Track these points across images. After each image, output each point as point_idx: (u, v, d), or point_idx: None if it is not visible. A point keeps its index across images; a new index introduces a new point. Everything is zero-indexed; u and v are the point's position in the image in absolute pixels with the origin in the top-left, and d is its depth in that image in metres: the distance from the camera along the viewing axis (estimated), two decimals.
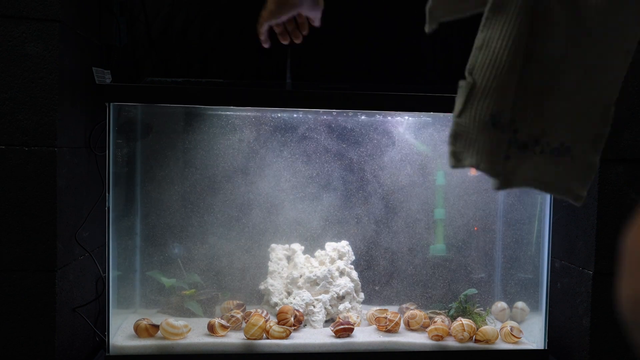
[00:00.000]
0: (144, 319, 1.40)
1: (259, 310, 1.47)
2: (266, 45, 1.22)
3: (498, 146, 0.62)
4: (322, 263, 1.56)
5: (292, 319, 1.41)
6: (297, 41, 1.22)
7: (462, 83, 0.64)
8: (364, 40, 1.69)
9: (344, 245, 1.58)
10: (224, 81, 1.62)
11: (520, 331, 1.46)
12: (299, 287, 1.52)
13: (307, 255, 1.58)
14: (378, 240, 1.61)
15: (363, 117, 1.57)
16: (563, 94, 0.64)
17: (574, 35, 0.62)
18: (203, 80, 1.61)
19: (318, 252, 1.59)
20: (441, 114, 1.52)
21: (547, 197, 1.48)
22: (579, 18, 0.62)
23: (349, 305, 1.51)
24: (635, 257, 0.32)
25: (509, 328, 1.45)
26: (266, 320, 1.40)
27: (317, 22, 1.21)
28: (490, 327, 1.46)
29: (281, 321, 1.41)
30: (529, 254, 1.57)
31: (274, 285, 1.53)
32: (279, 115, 1.55)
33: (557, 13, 0.62)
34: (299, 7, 1.14)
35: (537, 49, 0.63)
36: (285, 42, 1.21)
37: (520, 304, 1.58)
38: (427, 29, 0.81)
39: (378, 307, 1.55)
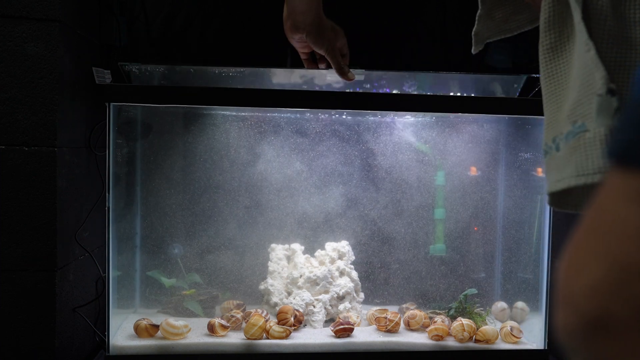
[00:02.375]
0: (144, 319, 1.40)
1: (259, 310, 1.47)
2: (306, 66, 1.26)
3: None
4: (322, 263, 1.56)
5: (292, 319, 1.41)
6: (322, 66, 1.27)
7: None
8: (363, 43, 1.69)
9: (344, 245, 1.58)
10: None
11: (520, 331, 1.46)
12: (299, 287, 1.52)
13: (307, 255, 1.58)
14: (378, 240, 1.61)
15: (364, 117, 1.57)
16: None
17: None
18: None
19: (318, 252, 1.59)
20: (441, 114, 1.52)
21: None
22: None
23: (349, 305, 1.51)
24: (562, 288, 0.34)
25: (509, 328, 1.45)
26: (266, 320, 1.40)
27: (337, 69, 1.24)
28: (490, 327, 1.46)
29: (281, 321, 1.41)
30: (529, 254, 1.57)
31: (274, 285, 1.53)
32: (280, 115, 1.55)
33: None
34: (297, 33, 1.15)
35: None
36: (310, 68, 1.27)
37: (520, 304, 1.58)
38: (473, 50, 0.84)
39: (378, 307, 1.55)
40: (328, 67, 1.25)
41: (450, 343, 1.42)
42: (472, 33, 0.83)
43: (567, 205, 0.65)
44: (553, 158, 0.63)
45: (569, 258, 0.34)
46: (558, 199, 0.64)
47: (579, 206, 0.64)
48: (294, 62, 1.57)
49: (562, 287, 0.33)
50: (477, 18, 0.83)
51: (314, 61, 1.27)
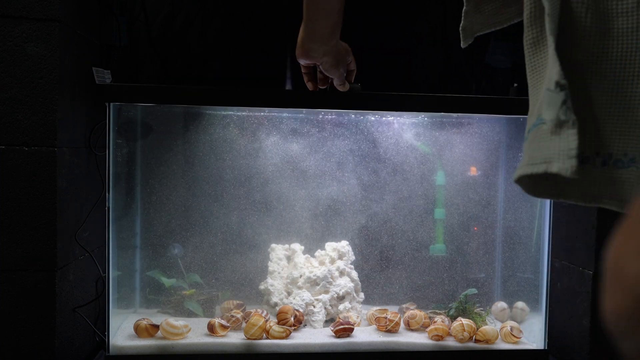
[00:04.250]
0: (144, 319, 1.40)
1: (259, 310, 1.47)
2: (310, 88, 1.24)
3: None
4: (322, 263, 1.56)
5: (292, 319, 1.41)
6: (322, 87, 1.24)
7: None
8: (363, 43, 1.70)
9: (344, 245, 1.58)
10: (224, 82, 1.62)
11: (520, 331, 1.46)
12: (299, 287, 1.52)
13: (307, 255, 1.58)
14: (378, 240, 1.61)
15: (363, 117, 1.57)
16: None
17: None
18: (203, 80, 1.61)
19: (318, 252, 1.59)
20: (442, 114, 1.52)
21: None
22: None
23: (349, 305, 1.51)
24: (613, 271, 0.34)
25: (509, 328, 1.45)
26: (266, 320, 1.40)
27: (338, 85, 1.21)
28: (490, 327, 1.46)
29: (281, 321, 1.41)
30: (529, 254, 1.57)
31: (274, 285, 1.53)
32: (280, 115, 1.55)
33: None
34: (313, 60, 1.11)
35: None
36: (311, 89, 1.24)
37: (520, 304, 1.58)
38: (462, 44, 0.84)
39: (378, 307, 1.55)
40: (332, 87, 1.25)
41: (450, 343, 1.42)
42: (460, 28, 0.84)
43: (545, 193, 0.66)
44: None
45: (622, 242, 0.34)
46: (533, 186, 0.65)
47: (563, 194, 0.65)
48: (294, 64, 1.57)
49: (613, 271, 0.33)
50: (463, 14, 0.83)
51: (315, 75, 1.24)
